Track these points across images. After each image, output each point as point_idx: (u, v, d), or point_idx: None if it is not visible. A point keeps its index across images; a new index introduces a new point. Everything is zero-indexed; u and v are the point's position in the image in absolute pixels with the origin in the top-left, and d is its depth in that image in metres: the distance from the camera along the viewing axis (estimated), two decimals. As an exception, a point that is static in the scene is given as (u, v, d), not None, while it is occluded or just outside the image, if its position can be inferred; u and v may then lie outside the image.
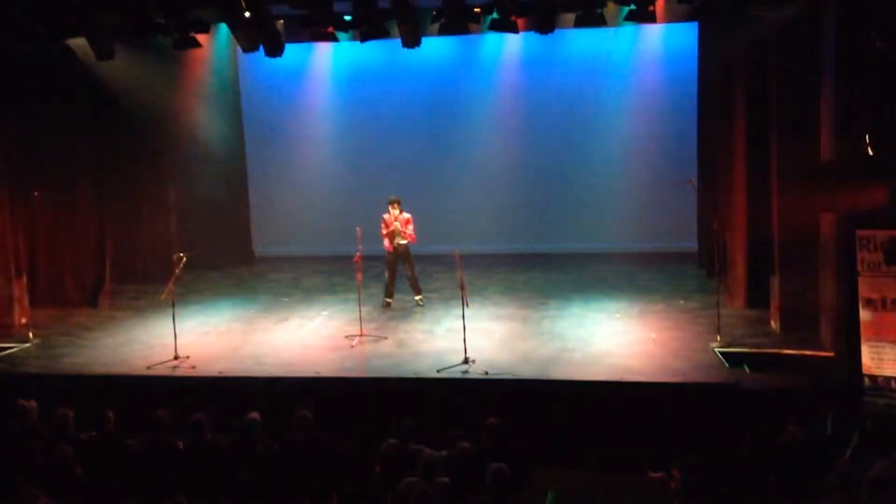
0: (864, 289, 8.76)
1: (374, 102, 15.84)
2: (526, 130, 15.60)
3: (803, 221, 10.34)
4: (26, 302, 12.61)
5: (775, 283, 10.91)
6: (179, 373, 10.08)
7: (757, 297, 11.56)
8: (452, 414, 8.75)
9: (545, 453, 8.42)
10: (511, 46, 15.03)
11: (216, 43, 14.30)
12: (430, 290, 12.96)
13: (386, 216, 12.28)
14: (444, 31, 11.88)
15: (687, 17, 12.81)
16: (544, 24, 11.62)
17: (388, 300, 12.56)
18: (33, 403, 8.15)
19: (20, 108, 12.59)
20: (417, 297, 12.59)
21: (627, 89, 15.14)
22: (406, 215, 12.29)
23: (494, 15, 11.72)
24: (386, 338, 11.12)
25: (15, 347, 11.34)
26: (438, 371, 9.69)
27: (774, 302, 10.96)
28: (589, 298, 12.76)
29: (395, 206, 12.24)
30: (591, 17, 11.54)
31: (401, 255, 12.40)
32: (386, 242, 12.35)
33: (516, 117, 15.56)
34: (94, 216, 13.64)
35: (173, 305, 10.53)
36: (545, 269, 14.74)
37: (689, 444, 8.00)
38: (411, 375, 9.74)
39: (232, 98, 15.86)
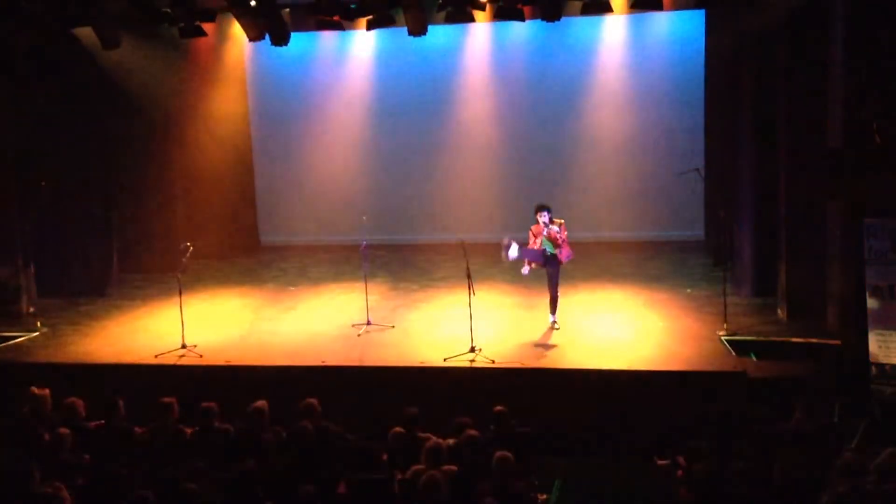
0: (871, 277, 8.76)
1: (380, 91, 15.81)
2: (532, 118, 15.56)
3: (811, 209, 10.33)
4: (34, 291, 12.68)
5: (782, 271, 10.89)
6: (187, 361, 10.12)
7: (764, 285, 11.55)
8: (459, 402, 8.76)
9: (551, 441, 8.45)
10: (517, 34, 14.99)
11: (222, 32, 14.29)
12: (437, 279, 12.95)
13: (534, 228, 10.71)
14: (450, 20, 11.84)
15: (694, 5, 12.76)
16: (550, 12, 11.57)
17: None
18: (46, 391, 8.18)
19: (27, 98, 12.59)
20: (553, 320, 10.81)
21: (634, 77, 15.09)
22: (557, 224, 10.57)
23: (500, 3, 11.68)
24: (392, 326, 11.13)
25: (23, 336, 11.39)
26: (445, 360, 9.70)
27: (781, 290, 10.95)
28: (595, 287, 12.74)
29: (544, 213, 10.55)
30: (598, 4, 11.49)
31: (549, 268, 10.79)
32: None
33: (522, 105, 15.53)
34: (100, 206, 13.66)
35: (180, 294, 10.57)
36: (552, 257, 14.70)
37: (696, 432, 8.00)
38: (418, 364, 9.76)
39: (238, 86, 15.85)
